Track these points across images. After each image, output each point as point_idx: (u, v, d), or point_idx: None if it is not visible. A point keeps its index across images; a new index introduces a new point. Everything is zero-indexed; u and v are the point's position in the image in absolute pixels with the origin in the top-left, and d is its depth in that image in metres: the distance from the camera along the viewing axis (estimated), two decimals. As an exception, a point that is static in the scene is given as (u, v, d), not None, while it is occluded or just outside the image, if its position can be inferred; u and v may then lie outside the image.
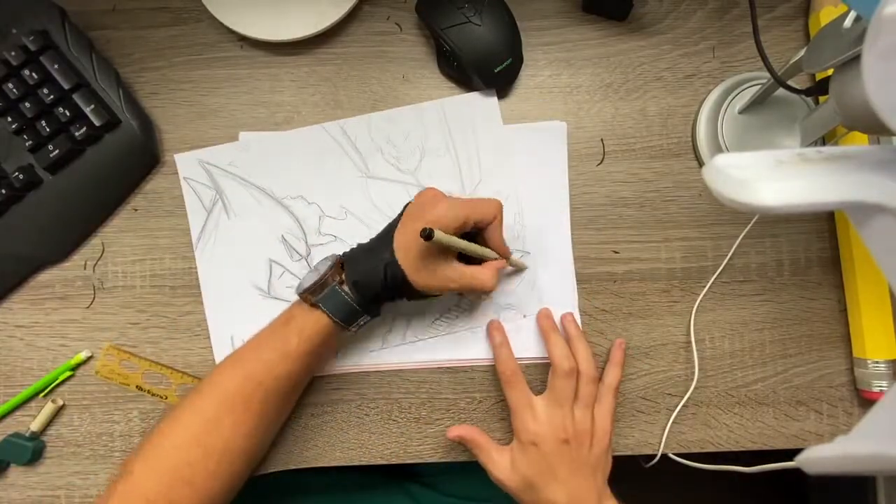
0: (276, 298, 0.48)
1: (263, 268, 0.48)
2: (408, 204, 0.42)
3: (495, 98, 0.49)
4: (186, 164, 0.49)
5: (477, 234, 0.43)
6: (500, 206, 0.42)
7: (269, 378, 0.40)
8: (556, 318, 0.47)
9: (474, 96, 0.49)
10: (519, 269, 0.48)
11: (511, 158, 0.49)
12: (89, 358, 0.48)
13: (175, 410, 0.40)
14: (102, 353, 0.47)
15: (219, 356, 0.47)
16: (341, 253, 0.43)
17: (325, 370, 0.47)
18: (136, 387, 0.47)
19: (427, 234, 0.35)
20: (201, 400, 0.40)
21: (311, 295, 0.40)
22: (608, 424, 0.43)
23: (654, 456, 0.47)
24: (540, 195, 0.49)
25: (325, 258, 0.42)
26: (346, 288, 0.40)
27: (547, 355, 0.45)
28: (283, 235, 0.48)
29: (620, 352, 0.47)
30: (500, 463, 0.43)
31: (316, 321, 0.40)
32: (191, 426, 0.39)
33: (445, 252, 0.40)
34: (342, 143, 0.49)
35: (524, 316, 0.48)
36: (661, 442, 0.47)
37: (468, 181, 0.49)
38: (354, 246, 0.43)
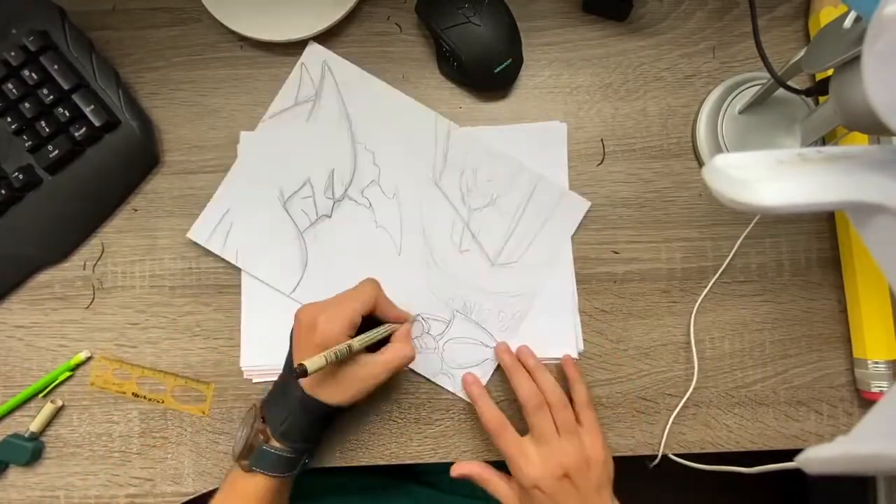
0: (286, 212, 0.48)
1: (297, 180, 0.48)
2: (291, 330, 0.42)
3: (585, 207, 0.48)
4: (312, 54, 0.49)
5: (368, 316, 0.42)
6: (375, 285, 0.42)
7: None
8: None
9: (569, 194, 0.48)
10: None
11: (557, 257, 0.48)
12: (88, 358, 0.48)
13: None
14: (95, 363, 0.47)
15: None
16: (259, 402, 0.42)
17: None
18: (133, 394, 0.47)
19: (301, 372, 0.34)
20: None
21: (243, 460, 0.40)
22: (598, 441, 0.43)
23: (655, 456, 0.47)
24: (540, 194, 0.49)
25: (246, 414, 0.42)
26: (273, 444, 0.40)
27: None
28: (333, 169, 0.48)
29: (572, 367, 0.46)
30: (510, 496, 0.43)
31: (257, 483, 0.40)
32: None
33: (346, 360, 0.39)
34: (440, 139, 0.49)
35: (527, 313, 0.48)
36: (661, 442, 0.47)
37: (505, 254, 0.48)
38: (271, 388, 0.42)
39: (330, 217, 0.48)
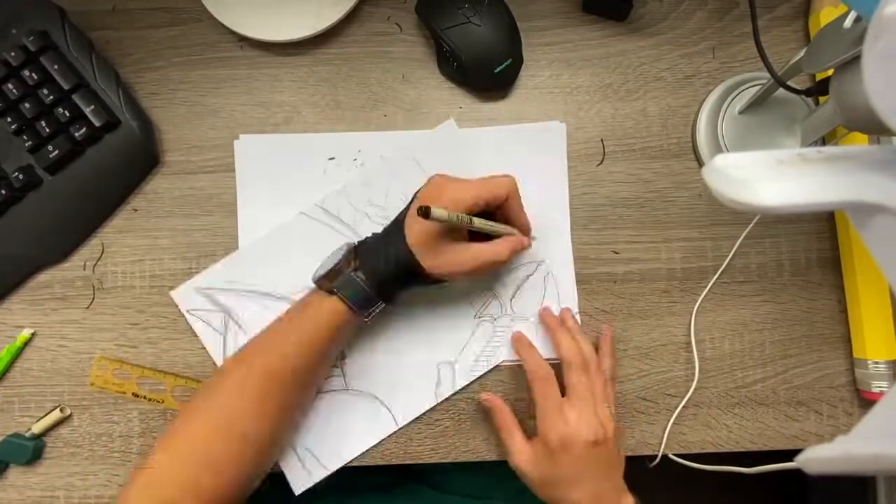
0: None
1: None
2: (418, 190, 0.42)
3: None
4: (185, 297, 0.47)
5: (494, 214, 0.43)
6: (513, 184, 0.42)
7: (284, 369, 0.40)
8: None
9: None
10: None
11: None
12: (33, 335, 0.47)
13: (195, 400, 0.41)
14: (95, 363, 0.47)
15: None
16: (356, 242, 0.43)
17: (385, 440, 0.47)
18: (133, 394, 0.47)
19: (424, 212, 0.35)
20: (219, 392, 0.40)
21: (327, 281, 0.41)
22: (615, 419, 0.43)
23: (655, 457, 0.47)
24: (539, 196, 0.49)
25: (339, 247, 0.42)
26: (360, 275, 0.40)
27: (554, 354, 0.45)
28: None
29: (609, 341, 0.46)
30: (524, 453, 0.43)
31: (332, 308, 0.41)
32: (210, 417, 0.39)
33: (456, 234, 0.41)
34: (328, 221, 0.48)
35: (527, 319, 0.48)
36: (661, 443, 0.47)
37: None
38: (369, 235, 0.43)
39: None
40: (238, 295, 0.48)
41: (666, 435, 0.47)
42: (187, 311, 0.47)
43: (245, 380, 0.40)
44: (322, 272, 0.41)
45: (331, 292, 0.41)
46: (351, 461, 0.47)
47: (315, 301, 0.42)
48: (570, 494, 0.41)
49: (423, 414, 0.47)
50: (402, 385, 0.47)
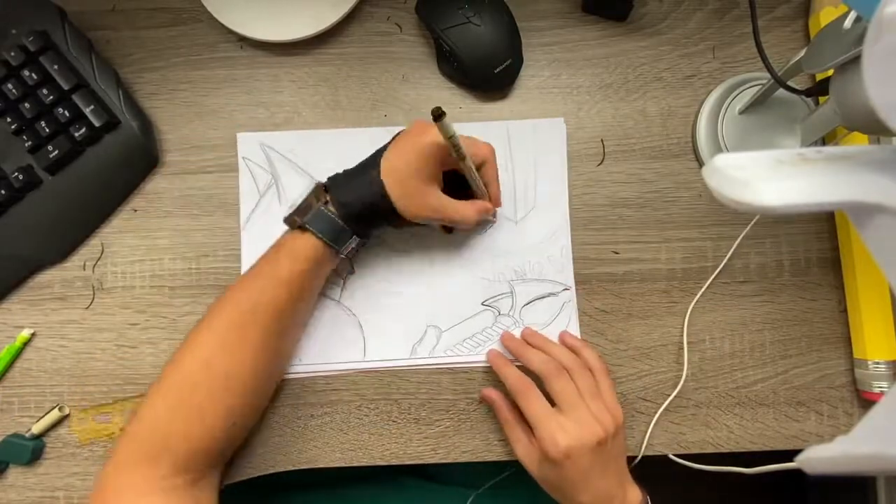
0: None
1: None
2: (398, 133, 0.42)
3: (561, 126, 0.49)
4: (247, 143, 0.49)
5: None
6: (492, 150, 0.43)
7: (262, 304, 0.40)
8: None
9: (539, 122, 0.49)
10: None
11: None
12: (32, 335, 0.47)
13: (184, 342, 0.41)
14: (73, 419, 0.47)
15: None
16: (326, 178, 0.43)
17: (347, 368, 0.47)
18: (121, 430, 0.46)
19: (439, 114, 0.34)
20: (201, 332, 0.40)
21: (297, 217, 0.41)
22: (618, 407, 0.43)
23: (655, 457, 0.47)
24: (539, 191, 0.49)
25: (308, 187, 0.43)
26: (331, 208, 0.41)
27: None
28: None
29: (570, 337, 0.47)
30: (529, 454, 0.43)
31: (305, 243, 0.41)
32: (194, 357, 0.40)
33: (432, 180, 0.41)
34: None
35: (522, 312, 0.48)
36: (642, 443, 0.47)
37: (521, 208, 0.49)
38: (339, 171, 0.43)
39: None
40: (293, 167, 0.48)
41: (649, 433, 0.47)
42: (242, 157, 0.49)
43: (226, 317, 0.40)
44: (293, 208, 0.41)
45: (302, 228, 0.41)
46: (349, 461, 0.47)
47: (289, 239, 0.42)
48: (576, 497, 0.41)
49: (422, 415, 0.47)
50: (387, 326, 0.48)
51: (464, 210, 0.42)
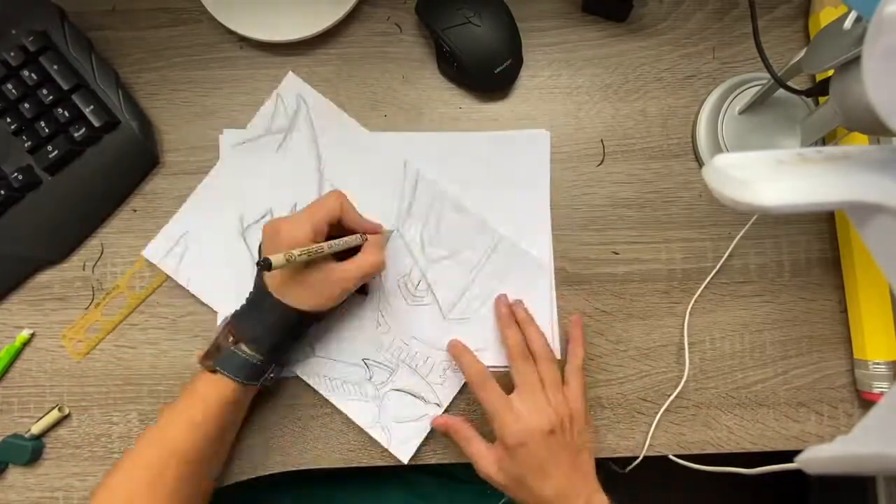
0: (244, 241, 0.48)
1: (259, 210, 0.48)
2: (260, 244, 0.42)
3: (546, 267, 0.48)
4: (290, 86, 0.49)
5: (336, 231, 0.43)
6: (341, 196, 0.42)
7: (181, 449, 0.40)
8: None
9: (529, 255, 0.48)
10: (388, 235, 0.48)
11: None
12: (32, 335, 0.47)
13: (101, 485, 0.40)
14: (64, 339, 0.47)
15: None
16: (231, 314, 0.43)
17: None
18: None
19: (265, 264, 0.34)
20: (120, 470, 0.39)
21: (208, 361, 0.41)
22: (581, 405, 0.43)
23: (656, 457, 0.47)
24: (520, 202, 0.48)
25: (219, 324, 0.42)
26: (242, 347, 0.40)
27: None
28: (296, 203, 0.48)
29: (579, 329, 0.46)
30: (488, 458, 0.42)
31: (217, 386, 0.40)
32: (111, 498, 0.39)
33: (316, 265, 0.40)
34: (407, 185, 0.48)
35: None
36: (645, 443, 0.47)
37: (459, 309, 0.48)
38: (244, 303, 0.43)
39: None
40: (308, 126, 0.49)
41: (649, 435, 0.47)
42: (277, 94, 0.49)
43: (142, 461, 0.39)
44: (203, 351, 0.41)
45: (214, 371, 0.40)
46: (348, 461, 0.47)
47: (201, 383, 0.41)
48: (538, 490, 0.40)
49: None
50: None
51: (365, 261, 0.42)
